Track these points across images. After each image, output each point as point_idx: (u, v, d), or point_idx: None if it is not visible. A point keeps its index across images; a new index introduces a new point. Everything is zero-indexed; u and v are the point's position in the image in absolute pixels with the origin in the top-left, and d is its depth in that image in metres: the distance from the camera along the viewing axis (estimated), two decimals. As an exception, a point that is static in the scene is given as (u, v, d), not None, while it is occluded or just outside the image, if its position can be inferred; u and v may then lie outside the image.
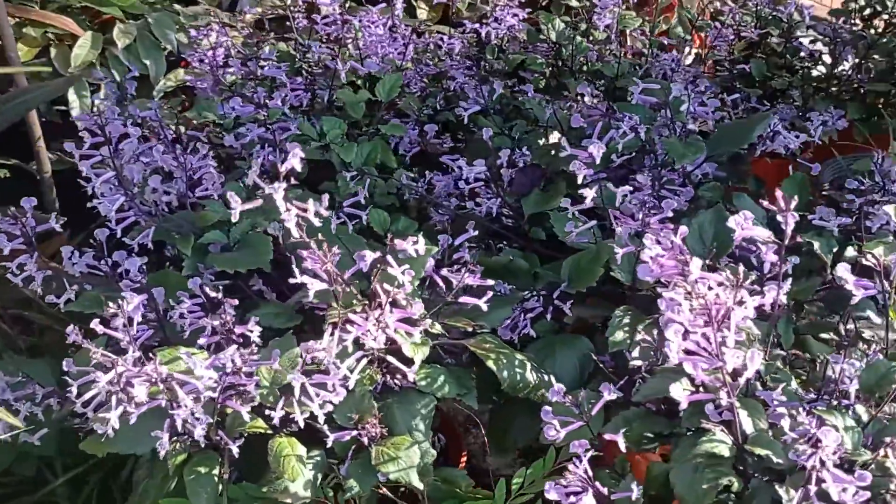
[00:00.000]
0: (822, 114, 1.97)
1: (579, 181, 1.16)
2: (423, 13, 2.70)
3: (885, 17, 2.46)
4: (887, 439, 0.96)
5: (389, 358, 1.03)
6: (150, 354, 0.99)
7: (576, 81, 2.09)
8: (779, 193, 1.05)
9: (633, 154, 1.43)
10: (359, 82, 1.78)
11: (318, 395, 0.97)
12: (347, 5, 2.18)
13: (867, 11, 2.47)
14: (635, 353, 1.15)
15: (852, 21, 2.41)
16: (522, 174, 1.47)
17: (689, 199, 1.40)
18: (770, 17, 2.26)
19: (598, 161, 1.15)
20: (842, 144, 2.15)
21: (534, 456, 1.16)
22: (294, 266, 1.27)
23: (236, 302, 1.08)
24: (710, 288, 0.98)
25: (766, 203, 1.08)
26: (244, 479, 1.06)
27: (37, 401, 1.16)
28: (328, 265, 1.01)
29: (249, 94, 1.60)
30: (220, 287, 1.20)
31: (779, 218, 1.34)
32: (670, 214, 1.15)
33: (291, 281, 1.06)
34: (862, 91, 2.36)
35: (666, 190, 1.42)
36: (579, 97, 1.58)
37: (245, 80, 1.83)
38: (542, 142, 1.65)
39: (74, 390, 1.02)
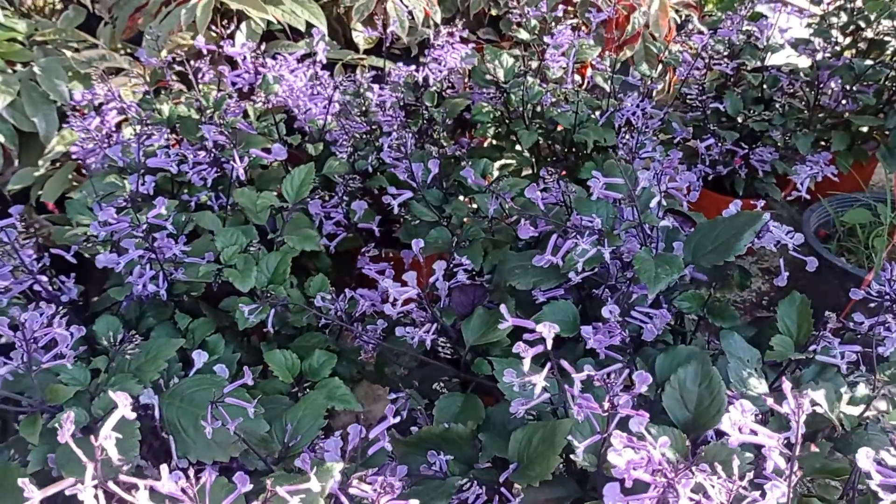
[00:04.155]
0: (811, 165, 1.72)
1: (525, 367, 0.89)
2: (360, 39, 2.40)
3: (868, 34, 2.22)
4: None
5: None
6: None
7: (528, 132, 1.83)
8: (787, 385, 0.81)
9: (595, 269, 1.17)
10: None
11: None
12: (263, 47, 1.89)
13: (850, 28, 2.22)
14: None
15: (834, 40, 2.16)
16: (462, 293, 1.21)
17: (665, 322, 1.15)
18: (744, 45, 2.00)
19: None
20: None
21: None
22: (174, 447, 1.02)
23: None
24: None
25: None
26: None
27: None
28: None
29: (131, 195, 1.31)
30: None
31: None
32: (644, 390, 0.89)
33: None
34: (845, 118, 2.13)
35: (636, 312, 1.17)
36: (541, 179, 1.31)
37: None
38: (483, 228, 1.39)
39: None
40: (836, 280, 1.82)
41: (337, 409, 1.11)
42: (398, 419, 0.95)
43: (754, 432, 0.82)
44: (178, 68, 1.86)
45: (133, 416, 0.69)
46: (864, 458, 0.86)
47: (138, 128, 1.72)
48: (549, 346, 0.86)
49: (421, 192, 1.40)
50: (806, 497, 1.08)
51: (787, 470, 0.82)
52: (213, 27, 2.13)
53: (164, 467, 0.67)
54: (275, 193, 1.35)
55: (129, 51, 2.22)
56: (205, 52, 1.80)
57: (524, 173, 1.93)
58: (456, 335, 1.22)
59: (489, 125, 1.90)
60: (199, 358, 1.08)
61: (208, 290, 1.32)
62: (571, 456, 0.95)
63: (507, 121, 1.89)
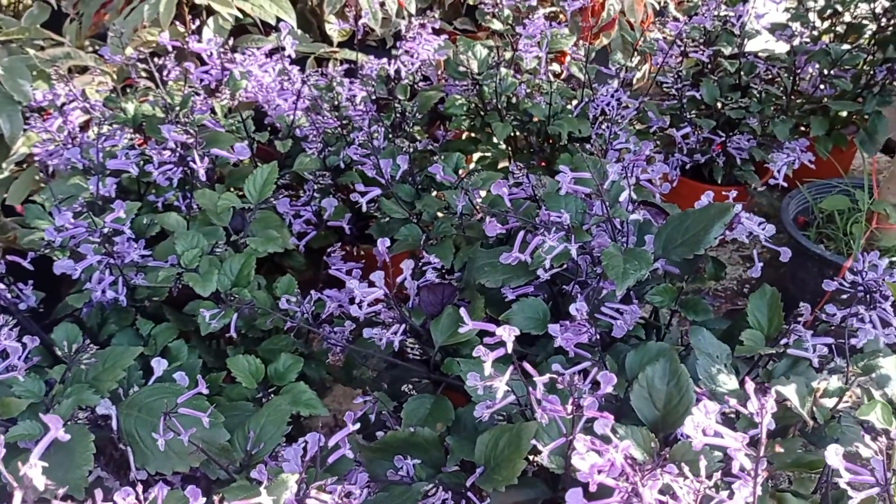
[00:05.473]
0: (787, 153, 1.70)
1: (487, 370, 0.87)
2: (333, 31, 2.36)
3: (846, 17, 2.19)
4: None
5: None
6: None
7: (502, 124, 1.80)
8: (749, 385, 0.79)
9: (565, 265, 1.14)
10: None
11: None
12: (233, 42, 1.85)
13: (827, 12, 2.20)
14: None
15: (811, 25, 2.14)
16: (430, 292, 1.19)
17: (636, 318, 1.13)
18: (721, 31, 1.97)
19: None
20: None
21: None
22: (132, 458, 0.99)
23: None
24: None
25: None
26: None
27: None
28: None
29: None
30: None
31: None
32: (609, 390, 0.87)
33: None
34: (824, 104, 2.11)
35: (606, 308, 1.15)
36: (511, 174, 1.29)
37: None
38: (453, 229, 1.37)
39: None
40: (814, 268, 1.80)
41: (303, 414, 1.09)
42: (358, 426, 0.93)
43: (719, 434, 0.80)
44: (145, 66, 1.83)
45: (67, 437, 0.66)
46: (833, 455, 0.84)
47: (100, 128, 1.68)
48: (511, 350, 0.84)
49: (391, 189, 1.37)
50: (780, 491, 1.06)
51: (753, 470, 0.80)
52: (181, 23, 2.09)
53: (97, 492, 0.64)
54: (239, 193, 1.32)
55: (96, 48, 2.18)
56: (170, 48, 1.76)
57: (500, 166, 1.91)
58: (426, 335, 1.19)
59: (463, 118, 1.88)
60: (159, 366, 1.06)
61: (173, 294, 1.29)
62: (539, 458, 0.94)
63: (481, 113, 1.86)
